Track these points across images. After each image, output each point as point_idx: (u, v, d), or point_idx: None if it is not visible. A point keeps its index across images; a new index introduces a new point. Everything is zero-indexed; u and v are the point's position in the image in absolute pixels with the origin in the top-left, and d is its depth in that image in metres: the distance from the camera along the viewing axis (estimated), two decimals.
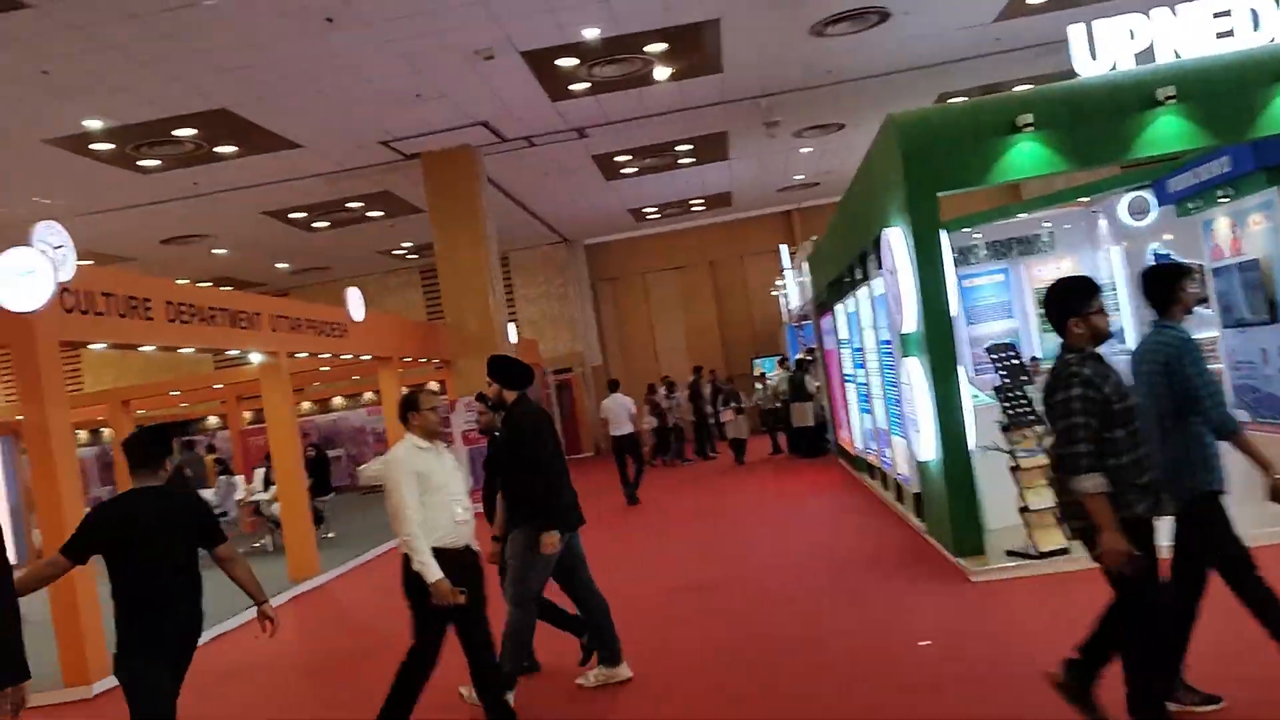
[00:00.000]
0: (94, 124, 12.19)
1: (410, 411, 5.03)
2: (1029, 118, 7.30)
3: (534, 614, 5.75)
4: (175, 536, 4.21)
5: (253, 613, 4.51)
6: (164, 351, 10.23)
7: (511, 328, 19.05)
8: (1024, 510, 7.16)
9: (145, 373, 22.18)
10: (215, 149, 13.85)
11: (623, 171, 18.89)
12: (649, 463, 17.69)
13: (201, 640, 4.39)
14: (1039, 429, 7.27)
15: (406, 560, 4.82)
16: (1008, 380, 7.59)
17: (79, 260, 7.95)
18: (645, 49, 12.48)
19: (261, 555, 13.50)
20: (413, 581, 4.83)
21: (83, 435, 22.46)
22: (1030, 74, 15.29)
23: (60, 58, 10.10)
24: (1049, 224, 13.07)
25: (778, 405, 18.40)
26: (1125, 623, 3.84)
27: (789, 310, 22.53)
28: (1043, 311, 4.07)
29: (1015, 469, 7.23)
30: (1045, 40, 13.84)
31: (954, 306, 7.56)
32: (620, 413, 14.60)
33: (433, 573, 4.72)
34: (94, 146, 12.99)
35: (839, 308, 13.20)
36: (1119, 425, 3.69)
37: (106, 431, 22.02)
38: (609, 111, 14.91)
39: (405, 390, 5.28)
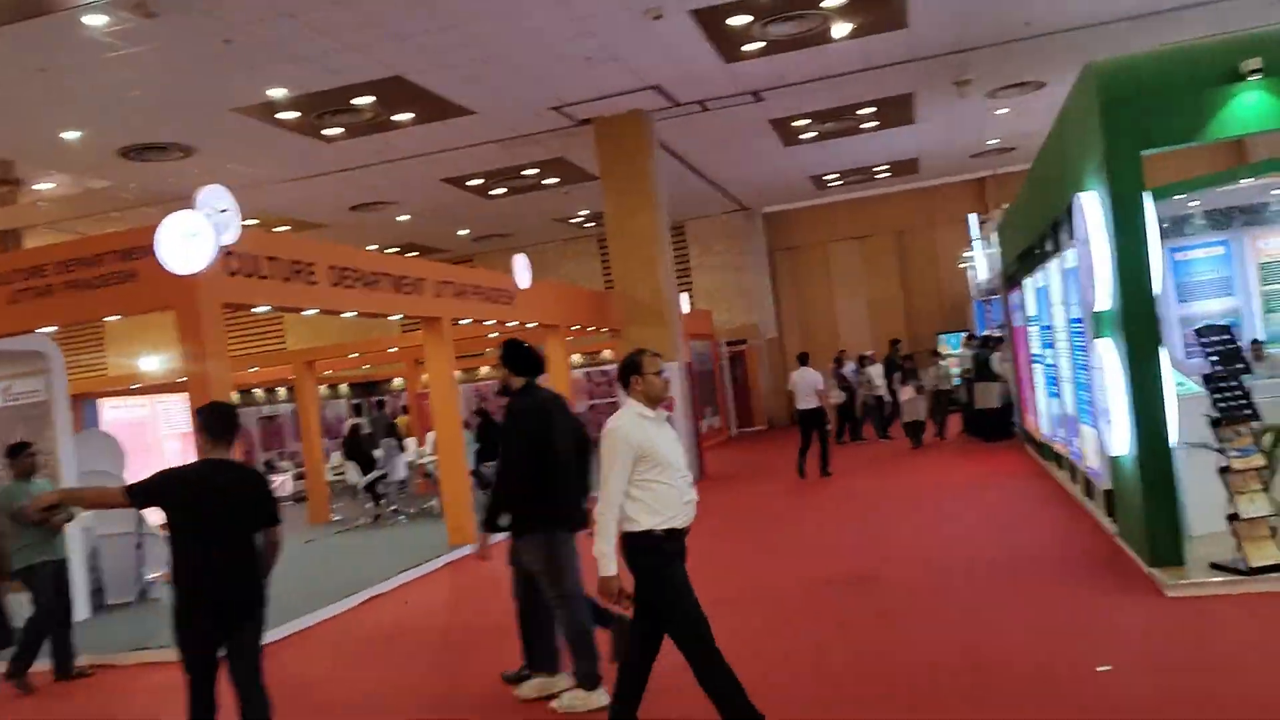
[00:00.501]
0: (278, 93, 12.59)
1: (632, 375, 4.56)
2: (1256, 62, 6.24)
3: (584, 606, 5.43)
4: (230, 511, 4.25)
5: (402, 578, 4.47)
6: (328, 315, 10.46)
7: (684, 297, 18.74)
8: (1233, 518, 6.20)
9: (343, 334, 23.13)
10: (393, 117, 14.10)
11: (801, 137, 18.11)
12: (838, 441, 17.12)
13: (348, 604, 4.40)
14: (1255, 425, 6.28)
15: (624, 539, 4.38)
16: (1220, 367, 6.58)
17: (277, 228, 8.11)
18: (822, 3, 11.72)
19: (429, 517, 13.80)
20: (636, 557, 4.35)
21: (281, 392, 23.68)
22: (1264, 24, 13.50)
23: (241, 27, 10.38)
24: None
25: (947, 387, 17.28)
26: None
27: (977, 284, 21.21)
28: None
29: (1225, 470, 6.28)
30: None
31: (1158, 282, 6.63)
32: (805, 387, 13.99)
33: (608, 565, 4.30)
34: (280, 116, 13.45)
35: (1027, 282, 12.14)
36: None
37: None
38: (785, 73, 14.21)
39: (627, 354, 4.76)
